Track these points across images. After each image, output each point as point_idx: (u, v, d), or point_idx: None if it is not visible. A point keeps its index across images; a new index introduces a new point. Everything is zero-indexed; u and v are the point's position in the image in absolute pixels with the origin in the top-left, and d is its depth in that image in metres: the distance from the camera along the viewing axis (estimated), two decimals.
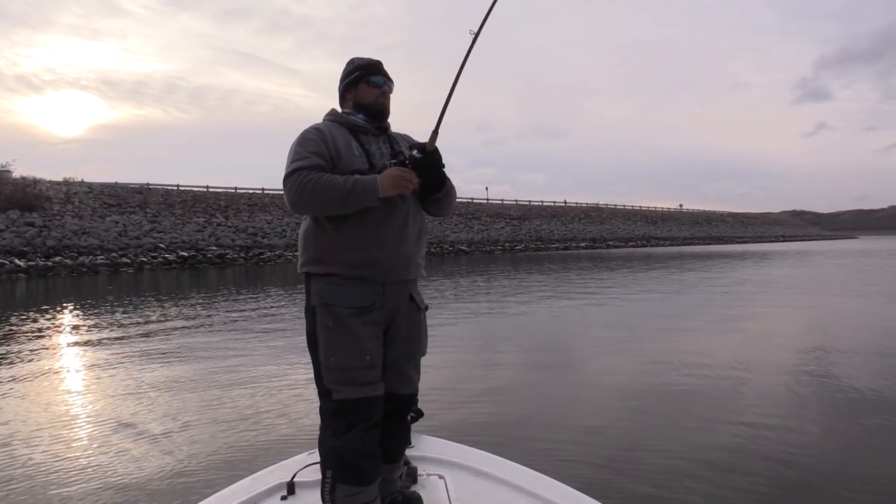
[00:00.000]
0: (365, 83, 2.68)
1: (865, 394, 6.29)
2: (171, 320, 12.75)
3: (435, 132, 2.57)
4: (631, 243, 74.80)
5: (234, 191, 55.97)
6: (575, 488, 2.69)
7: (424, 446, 3.15)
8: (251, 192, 56.80)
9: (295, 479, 2.76)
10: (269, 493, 2.72)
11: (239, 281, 25.52)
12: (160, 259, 36.00)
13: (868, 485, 4.15)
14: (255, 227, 46.63)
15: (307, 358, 2.57)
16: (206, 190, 54.13)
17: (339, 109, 2.76)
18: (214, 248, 40.31)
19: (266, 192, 57.62)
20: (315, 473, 2.72)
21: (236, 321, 12.57)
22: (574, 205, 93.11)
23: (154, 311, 14.29)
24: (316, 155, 2.46)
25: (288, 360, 8.44)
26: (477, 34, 2.61)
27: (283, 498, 2.68)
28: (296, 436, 5.21)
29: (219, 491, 2.78)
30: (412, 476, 2.81)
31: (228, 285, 23.06)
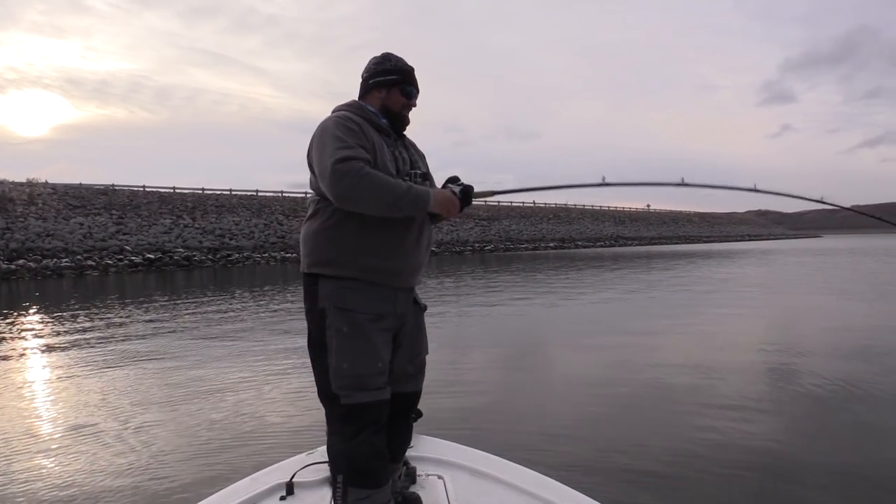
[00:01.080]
0: (399, 90, 2.60)
1: (825, 386, 6.48)
2: (146, 324, 12.59)
3: (490, 194, 2.72)
4: (599, 243, 75.37)
5: (201, 192, 55.38)
6: (574, 488, 2.69)
7: (423, 446, 3.14)
8: (218, 193, 56.26)
9: (294, 480, 2.75)
10: (268, 493, 2.71)
11: (208, 284, 25.28)
12: (126, 261, 35.56)
13: (831, 471, 4.27)
14: (222, 229, 46.26)
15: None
16: (172, 191, 53.49)
17: (358, 100, 2.64)
18: (181, 249, 39.91)
19: (234, 193, 57.16)
20: (314, 473, 2.79)
21: (216, 323, 12.45)
22: (543, 205, 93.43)
23: (128, 316, 14.11)
24: (362, 148, 2.34)
25: (280, 361, 8.38)
26: (607, 184, 2.84)
27: (282, 498, 2.67)
28: (295, 436, 5.23)
29: (218, 491, 2.76)
30: (411, 476, 2.81)
31: (199, 288, 22.81)
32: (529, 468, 2.91)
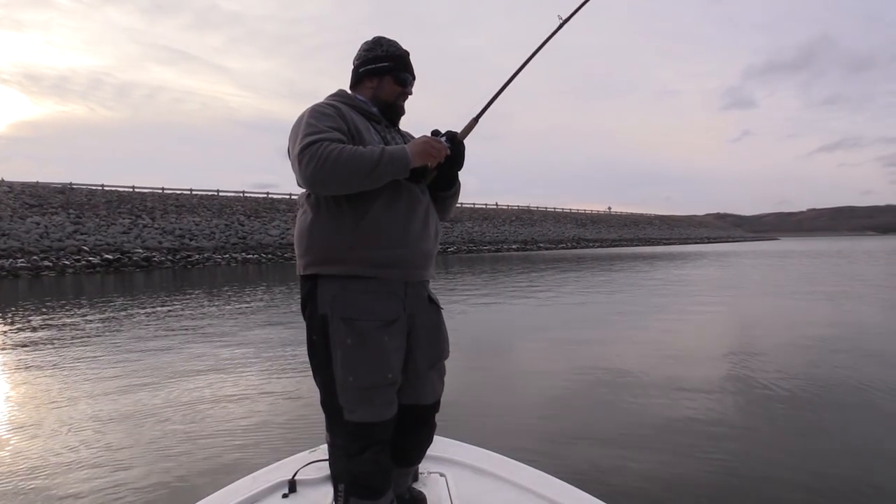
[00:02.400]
0: (392, 78, 2.43)
1: (783, 382, 6.62)
2: (124, 324, 12.41)
3: (474, 122, 2.42)
4: (561, 245, 75.95)
5: (161, 191, 54.86)
6: (576, 486, 2.66)
7: None
8: (178, 192, 55.78)
9: (296, 478, 2.73)
10: (271, 491, 2.68)
11: (169, 285, 24.97)
12: (84, 262, 34.98)
13: (788, 466, 4.33)
14: (182, 229, 45.75)
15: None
16: (131, 190, 52.89)
17: (349, 90, 2.50)
18: (140, 250, 39.39)
19: (194, 192, 56.67)
20: (317, 471, 2.77)
21: (192, 322, 12.31)
22: (505, 207, 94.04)
23: (104, 317, 13.89)
24: (335, 130, 2.17)
25: (277, 359, 8.42)
26: (566, 20, 2.54)
27: (285, 496, 2.64)
28: (297, 433, 5.25)
29: (220, 489, 2.72)
30: (413, 474, 2.75)
31: (161, 289, 22.54)
32: (531, 466, 2.90)
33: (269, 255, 44.34)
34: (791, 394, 6.39)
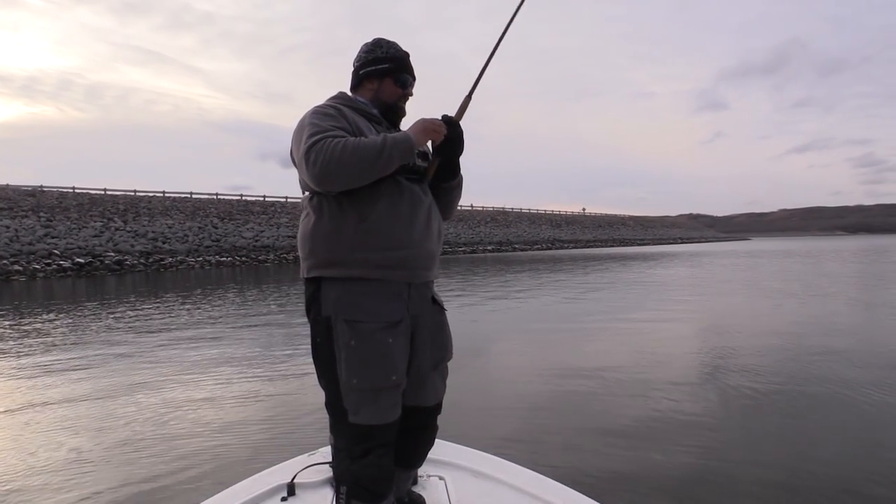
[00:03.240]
0: (392, 80, 2.45)
1: (758, 376, 6.69)
2: (110, 329, 12.31)
3: (467, 101, 2.42)
4: (536, 246, 76.19)
5: (133, 194, 54.38)
6: (574, 489, 2.68)
7: None
8: (151, 195, 55.28)
9: (295, 481, 2.73)
10: (270, 494, 2.68)
11: (142, 289, 24.71)
12: (54, 266, 34.51)
13: (760, 460, 4.40)
14: (155, 232, 45.29)
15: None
16: (103, 193, 52.40)
17: (349, 93, 2.52)
18: (112, 253, 38.94)
19: (167, 195, 56.18)
20: (316, 474, 2.78)
21: (175, 327, 12.23)
22: (480, 208, 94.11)
23: (91, 322, 13.76)
24: (339, 129, 2.18)
25: (265, 361, 8.40)
26: None
27: (284, 499, 2.64)
28: (296, 436, 5.24)
29: (219, 492, 2.73)
30: (412, 477, 2.76)
31: (136, 293, 22.32)
32: (530, 469, 2.92)
33: (243, 258, 44.06)
34: (765, 388, 6.55)
